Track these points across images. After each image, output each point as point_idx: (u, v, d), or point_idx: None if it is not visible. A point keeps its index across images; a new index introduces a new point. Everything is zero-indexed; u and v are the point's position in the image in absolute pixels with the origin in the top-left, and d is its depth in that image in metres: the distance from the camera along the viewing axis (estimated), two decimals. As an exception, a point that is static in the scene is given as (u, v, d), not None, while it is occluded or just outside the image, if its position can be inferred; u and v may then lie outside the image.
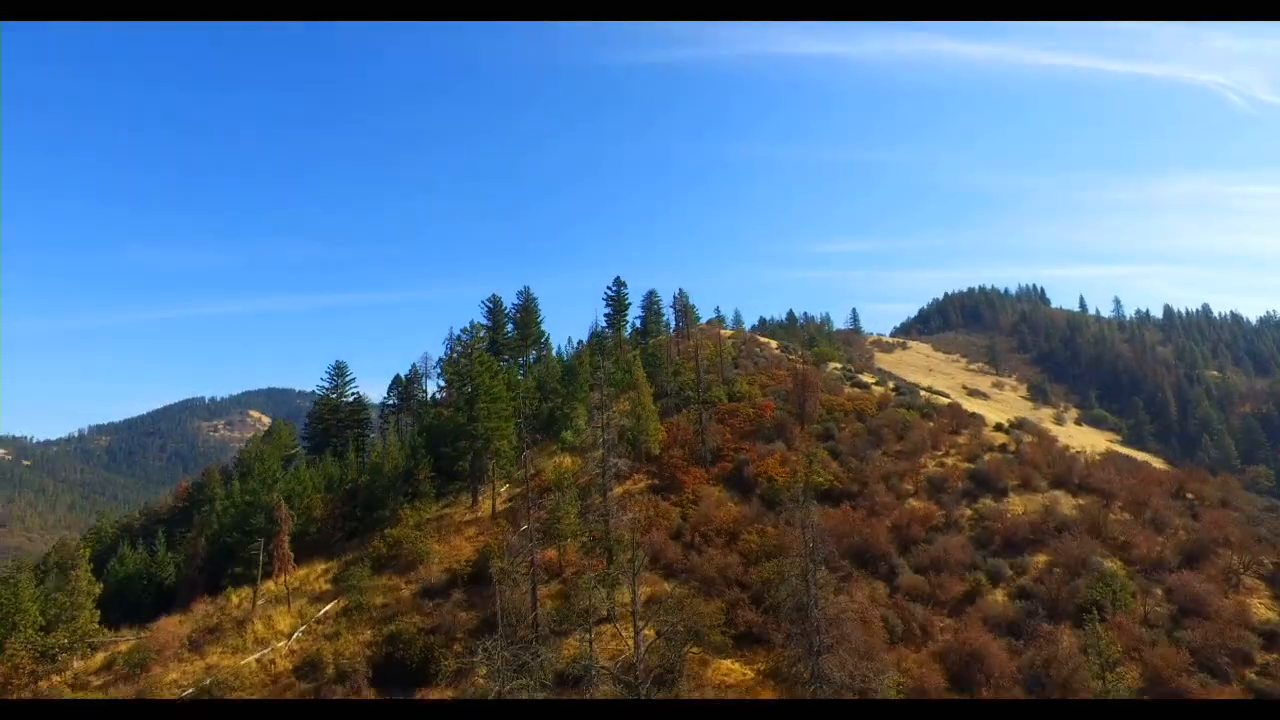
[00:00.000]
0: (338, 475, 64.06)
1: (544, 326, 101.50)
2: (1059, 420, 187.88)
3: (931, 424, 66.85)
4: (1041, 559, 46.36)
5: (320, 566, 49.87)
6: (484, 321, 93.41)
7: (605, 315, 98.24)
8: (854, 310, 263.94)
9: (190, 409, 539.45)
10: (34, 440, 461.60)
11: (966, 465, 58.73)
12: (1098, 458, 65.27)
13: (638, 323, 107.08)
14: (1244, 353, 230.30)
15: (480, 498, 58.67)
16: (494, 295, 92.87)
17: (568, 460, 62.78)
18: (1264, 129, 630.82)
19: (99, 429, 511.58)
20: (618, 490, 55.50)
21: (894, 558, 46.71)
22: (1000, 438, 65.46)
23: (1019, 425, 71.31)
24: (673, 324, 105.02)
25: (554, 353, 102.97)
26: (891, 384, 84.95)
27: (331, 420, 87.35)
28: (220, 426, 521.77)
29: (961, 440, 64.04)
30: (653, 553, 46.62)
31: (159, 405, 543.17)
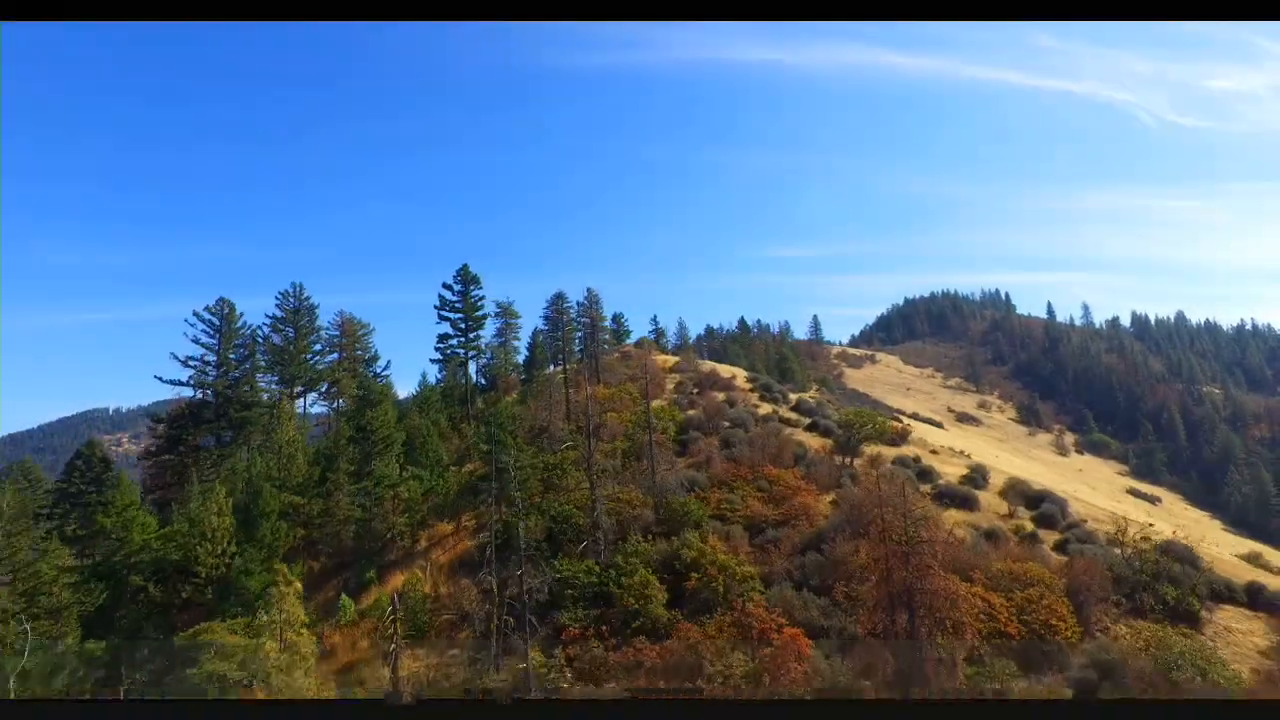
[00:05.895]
0: None
1: (380, 352, 55.37)
2: (1059, 448, 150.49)
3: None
4: None
5: None
6: (207, 351, 46.17)
7: (437, 347, 51.32)
8: (815, 318, 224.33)
9: (90, 421, 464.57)
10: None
11: None
12: None
13: (561, 338, 61.64)
14: (1233, 365, 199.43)
15: None
16: (221, 299, 45.65)
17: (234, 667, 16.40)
18: (1170, 147, 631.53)
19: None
20: None
21: None
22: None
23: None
24: (615, 345, 59.66)
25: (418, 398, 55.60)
26: (997, 477, 41.08)
27: None
28: (124, 440, 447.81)
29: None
30: None
31: (54, 418, 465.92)
